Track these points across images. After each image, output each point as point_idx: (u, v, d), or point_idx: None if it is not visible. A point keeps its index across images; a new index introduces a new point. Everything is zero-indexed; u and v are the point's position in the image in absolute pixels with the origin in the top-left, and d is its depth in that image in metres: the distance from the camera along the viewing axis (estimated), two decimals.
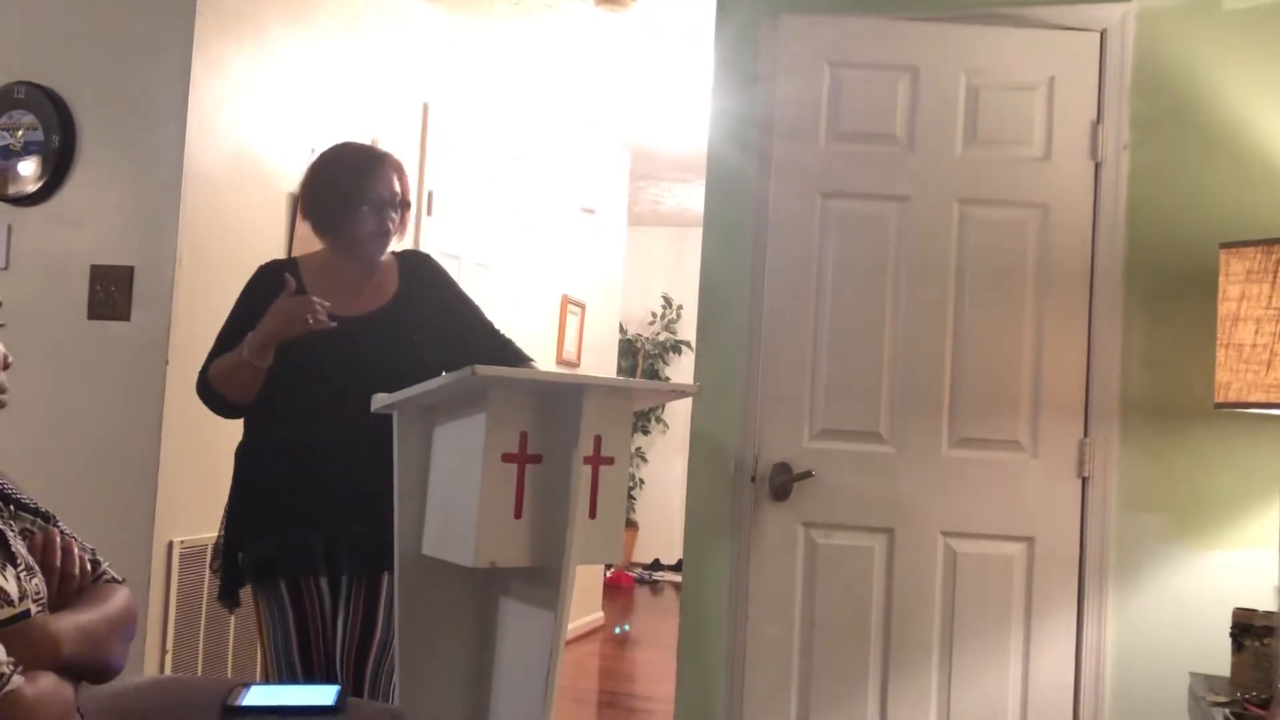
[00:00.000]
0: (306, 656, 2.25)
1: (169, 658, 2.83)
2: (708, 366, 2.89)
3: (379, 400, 2.04)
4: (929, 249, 2.69)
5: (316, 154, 3.42)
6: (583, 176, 5.97)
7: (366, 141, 3.69)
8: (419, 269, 2.49)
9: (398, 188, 2.37)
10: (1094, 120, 2.69)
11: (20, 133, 3.02)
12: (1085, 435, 2.66)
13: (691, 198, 7.37)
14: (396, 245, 2.45)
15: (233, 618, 3.10)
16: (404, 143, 3.98)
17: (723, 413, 2.84)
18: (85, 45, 3.00)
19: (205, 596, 2.97)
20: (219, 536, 2.37)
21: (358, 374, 2.16)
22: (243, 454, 2.38)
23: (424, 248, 4.00)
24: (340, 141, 2.48)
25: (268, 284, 2.30)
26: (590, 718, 4.42)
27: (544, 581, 1.93)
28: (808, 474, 2.65)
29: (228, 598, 2.36)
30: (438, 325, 2.40)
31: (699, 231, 2.96)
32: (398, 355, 2.27)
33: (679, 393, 2.56)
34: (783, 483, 2.66)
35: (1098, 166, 2.69)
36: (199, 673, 2.95)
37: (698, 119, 5.28)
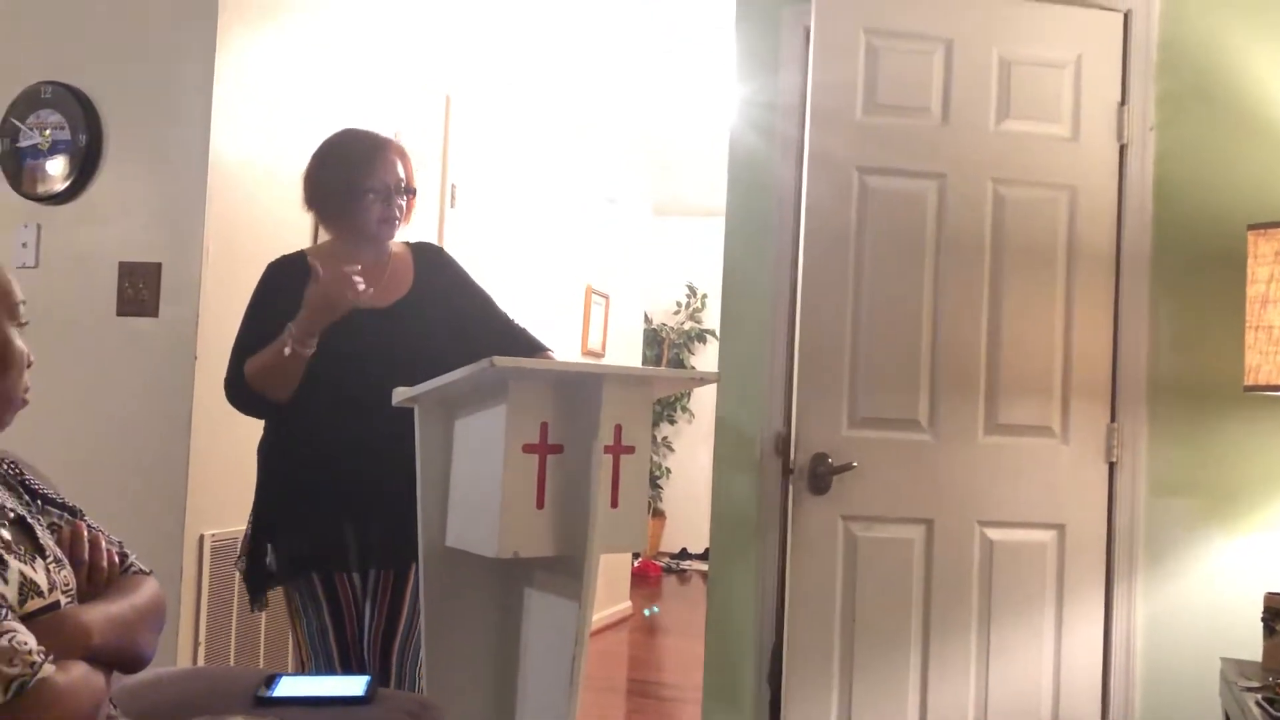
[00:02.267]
0: (344, 648, 2.25)
1: (201, 650, 2.86)
2: (732, 355, 2.89)
3: (400, 394, 2.05)
4: (964, 229, 2.63)
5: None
6: (606, 166, 5.97)
7: (390, 134, 3.74)
8: (433, 260, 2.49)
9: (402, 173, 2.35)
10: (1119, 102, 2.66)
11: (48, 132, 3.05)
12: (1113, 420, 2.63)
13: (715, 186, 7.34)
14: (404, 233, 2.44)
15: (265, 610, 3.13)
16: (427, 135, 4.00)
17: (749, 401, 2.84)
18: (110, 44, 3.03)
19: (236, 589, 3.00)
20: (245, 536, 2.35)
21: (383, 366, 2.16)
22: (268, 450, 2.37)
23: (446, 240, 4.01)
24: (341, 129, 2.43)
25: (283, 278, 2.30)
26: (619, 706, 4.43)
27: (567, 571, 1.94)
28: (850, 466, 2.58)
29: (256, 598, 2.34)
30: (455, 317, 2.40)
31: (720, 221, 2.95)
32: (422, 346, 2.26)
33: (699, 380, 2.57)
34: (823, 474, 2.58)
35: (1123, 148, 2.66)
36: (231, 664, 2.99)
37: (721, 106, 5.27)
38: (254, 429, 3.10)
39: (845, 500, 2.60)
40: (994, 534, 2.62)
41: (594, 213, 5.85)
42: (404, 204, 2.35)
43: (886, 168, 2.66)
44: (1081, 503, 2.63)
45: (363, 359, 2.23)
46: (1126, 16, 2.66)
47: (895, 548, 2.62)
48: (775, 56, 2.84)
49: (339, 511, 2.24)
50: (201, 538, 2.88)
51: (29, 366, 1.26)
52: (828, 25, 2.65)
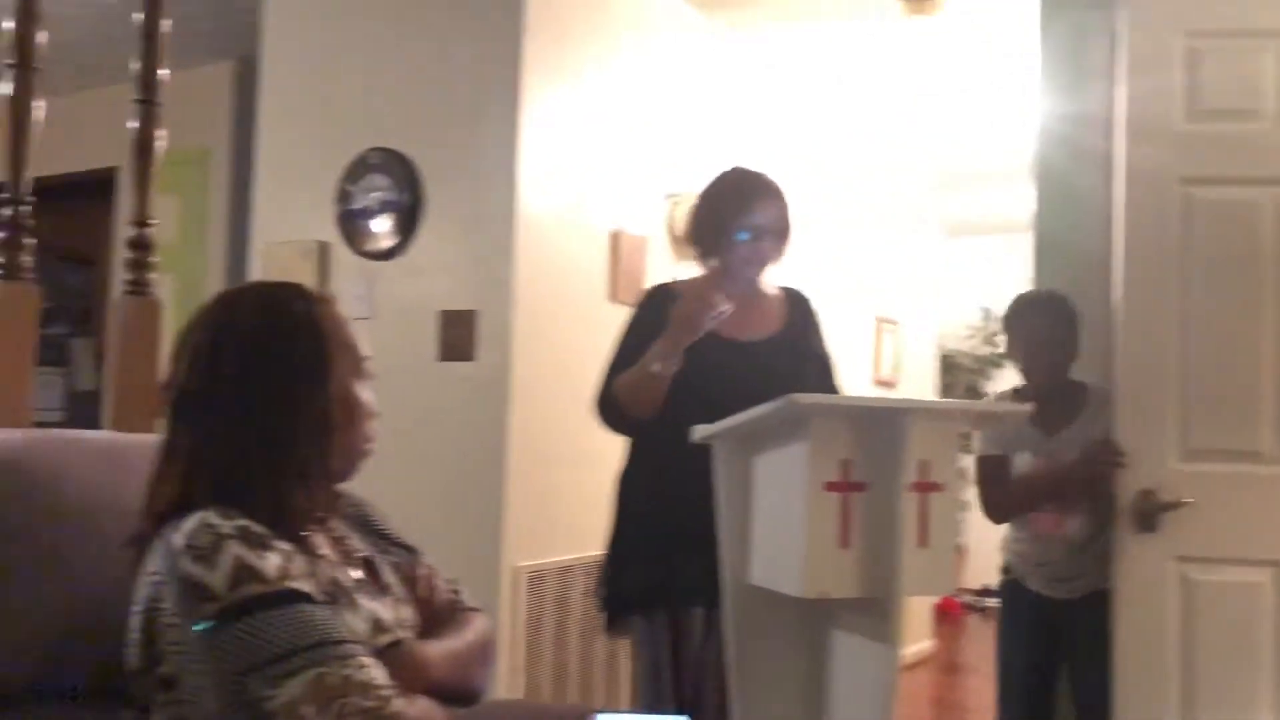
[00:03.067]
0: (679, 687, 2.27)
1: (520, 678, 3.00)
2: None
3: (699, 431, 2.07)
4: None
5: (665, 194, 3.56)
6: (894, 191, 5.84)
7: (680, 175, 3.84)
8: (803, 307, 2.53)
9: (776, 215, 2.40)
10: None
11: (376, 194, 3.35)
12: None
13: (1007, 203, 7.01)
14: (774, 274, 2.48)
15: (577, 639, 3.26)
16: (716, 173, 4.06)
17: None
18: (424, 110, 3.29)
19: (551, 619, 3.14)
20: (602, 565, 2.42)
21: (754, 398, 2.16)
22: (627, 479, 2.44)
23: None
24: (726, 170, 2.51)
25: (659, 303, 2.38)
26: None
27: (875, 612, 1.88)
28: (1183, 502, 2.36)
29: (614, 627, 2.38)
30: (818, 363, 2.46)
31: (1018, 239, 2.82)
32: (792, 382, 2.23)
33: (1010, 413, 2.44)
34: (1151, 512, 2.37)
35: None
36: (547, 693, 3.12)
37: (1014, 121, 5.03)
38: (563, 465, 3.25)
39: (1178, 539, 2.37)
40: None
41: (882, 237, 5.73)
42: (772, 245, 2.40)
43: (1215, 177, 2.42)
44: None
45: (735, 386, 2.17)
46: None
47: (1240, 593, 2.36)
48: (1083, 63, 2.68)
49: (692, 546, 2.20)
50: (516, 570, 3.03)
51: (374, 418, 1.36)
52: (1141, 31, 2.45)
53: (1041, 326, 2.59)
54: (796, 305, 2.52)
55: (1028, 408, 2.07)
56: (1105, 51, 2.64)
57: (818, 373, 2.46)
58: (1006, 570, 2.73)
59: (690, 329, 2.17)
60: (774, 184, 2.44)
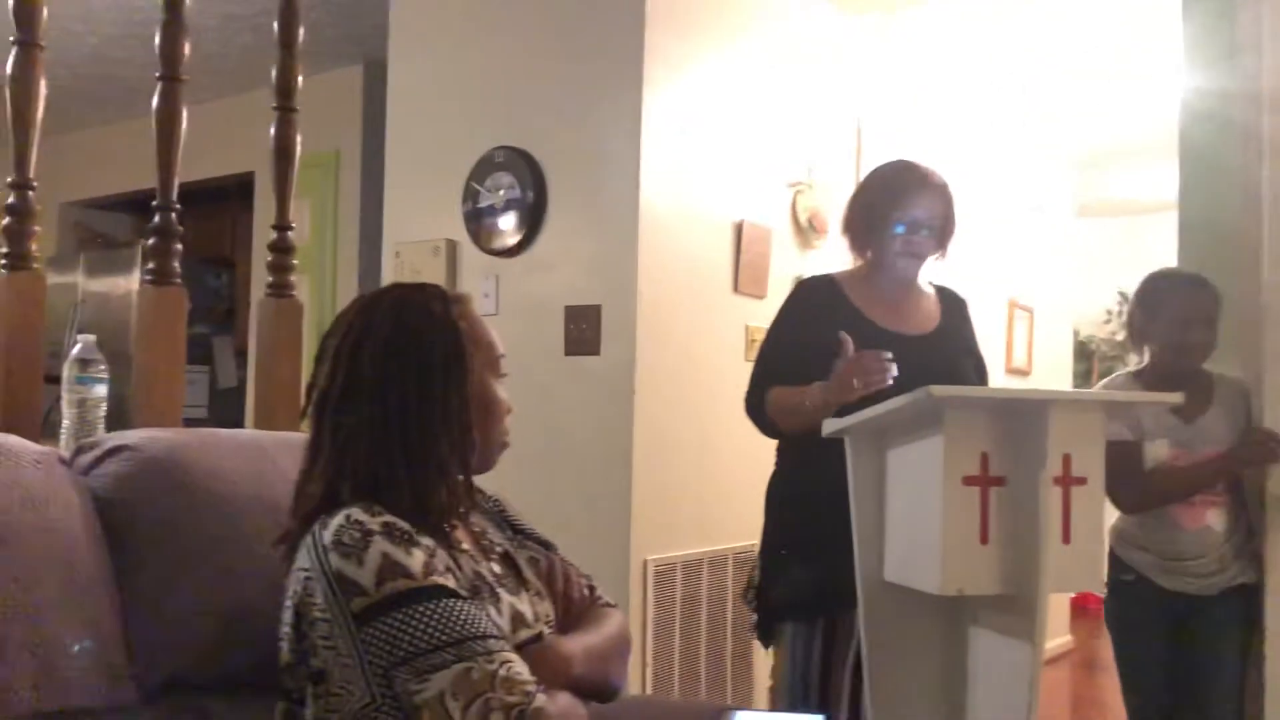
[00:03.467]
0: (825, 693, 2.24)
1: (649, 671, 3.02)
2: None
3: (830, 425, 2.04)
4: None
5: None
6: (1026, 172, 5.66)
7: (803, 164, 3.79)
8: (958, 307, 2.48)
9: (935, 210, 2.32)
10: None
11: (501, 192, 3.40)
12: None
13: (1143, 184, 6.73)
14: (934, 270, 2.43)
15: (705, 633, 3.26)
16: (839, 163, 4.00)
17: None
18: (548, 108, 3.32)
19: (678, 613, 3.15)
20: (753, 568, 2.39)
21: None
22: (781, 480, 2.40)
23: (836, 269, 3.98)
24: (891, 160, 2.43)
25: (815, 301, 2.35)
26: None
27: (1016, 610, 1.82)
28: None
29: (765, 633, 2.36)
30: (975, 359, 2.42)
31: (1155, 219, 2.70)
32: (951, 377, 2.21)
33: (1159, 402, 2.34)
34: None
35: None
36: (676, 687, 3.12)
37: (1151, 98, 4.82)
38: (687, 458, 3.25)
39: None
40: None
41: (1013, 221, 5.55)
42: (929, 241, 2.33)
43: None
44: None
45: (888, 388, 2.10)
46: None
47: None
48: (1230, 41, 2.55)
49: (849, 549, 2.08)
50: (645, 563, 3.05)
51: (509, 413, 1.39)
52: None
53: (1197, 305, 2.46)
54: (952, 303, 2.47)
55: (1178, 397, 1.98)
56: (1254, 23, 2.50)
57: (976, 370, 2.40)
58: (1126, 569, 2.58)
59: (854, 391, 2.05)
60: (938, 177, 2.34)
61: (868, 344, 2.12)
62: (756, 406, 2.32)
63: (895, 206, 2.29)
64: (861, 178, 4.06)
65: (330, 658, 1.12)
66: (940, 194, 2.32)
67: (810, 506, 2.23)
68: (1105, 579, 2.19)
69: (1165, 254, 2.83)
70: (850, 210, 2.41)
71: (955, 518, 1.79)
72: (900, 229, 2.28)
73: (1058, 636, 5.76)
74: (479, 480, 1.34)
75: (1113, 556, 2.60)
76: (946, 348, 2.35)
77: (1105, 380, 2.73)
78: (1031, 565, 1.78)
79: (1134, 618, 2.57)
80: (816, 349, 2.20)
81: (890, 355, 2.07)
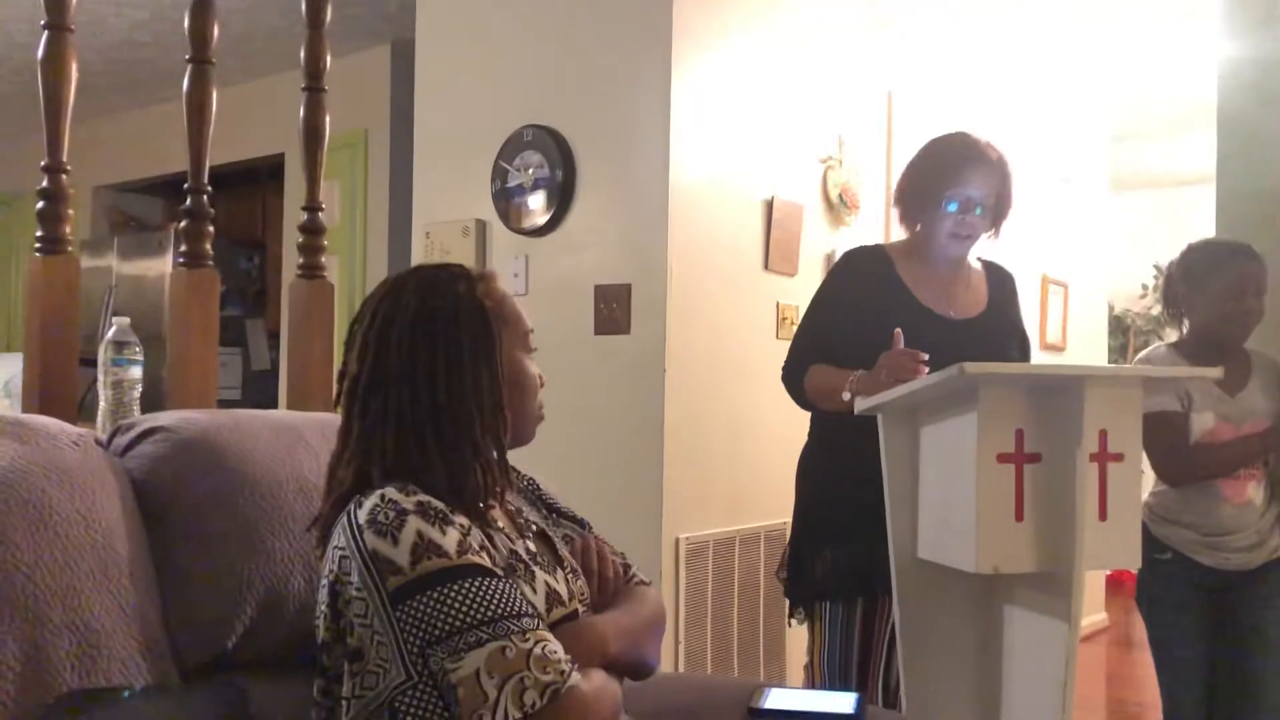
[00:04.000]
0: (864, 673, 2.23)
1: (681, 649, 3.02)
2: None
3: (861, 403, 2.02)
4: None
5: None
6: (1059, 144, 5.58)
7: (833, 138, 3.75)
8: (1006, 283, 2.45)
9: (991, 188, 2.26)
10: None
11: (530, 171, 3.39)
12: None
13: (1179, 153, 6.62)
14: (987, 250, 2.39)
15: (737, 611, 3.26)
16: (870, 134, 3.96)
17: None
18: (577, 86, 3.31)
19: (710, 590, 3.15)
20: (787, 547, 2.39)
21: None
22: (812, 459, 2.38)
23: (893, 237, 3.95)
24: (949, 132, 2.36)
25: (865, 275, 2.31)
26: None
27: (1051, 588, 1.81)
28: None
29: (800, 610, 2.34)
30: (1019, 339, 2.38)
31: (1192, 191, 2.66)
32: (997, 359, 2.17)
33: (1200, 377, 2.31)
34: None
35: None
36: (709, 664, 3.13)
37: (1188, 69, 4.74)
38: (718, 435, 3.24)
39: None
40: None
41: (1047, 194, 5.48)
42: (982, 220, 2.27)
43: None
44: None
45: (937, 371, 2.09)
46: None
47: None
48: (1267, 9, 2.49)
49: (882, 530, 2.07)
50: (677, 541, 3.05)
51: (541, 387, 1.39)
52: None
53: (1250, 274, 2.41)
54: (1001, 281, 2.43)
55: (1218, 371, 1.95)
56: None
57: (1020, 349, 2.37)
58: (1161, 547, 2.52)
59: (892, 382, 2.01)
60: (996, 154, 2.29)
61: (915, 327, 2.10)
62: (794, 380, 2.30)
63: (949, 183, 2.22)
64: (894, 151, 4.05)
65: (366, 636, 1.13)
66: (998, 170, 2.27)
67: (846, 483, 2.21)
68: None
69: (1201, 227, 2.78)
70: (903, 182, 2.34)
71: (990, 495, 1.77)
72: (953, 206, 2.22)
73: (1093, 614, 5.72)
74: (513, 459, 1.34)
75: (1146, 534, 2.56)
76: (993, 331, 2.31)
77: (1144, 352, 2.68)
78: (1068, 543, 1.76)
79: (1170, 596, 2.54)
80: (862, 325, 2.18)
81: (925, 357, 2.02)
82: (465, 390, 1.25)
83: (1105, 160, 6.20)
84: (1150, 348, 2.68)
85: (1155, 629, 2.60)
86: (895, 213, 2.37)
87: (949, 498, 1.88)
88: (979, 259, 2.42)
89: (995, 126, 4.91)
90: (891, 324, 2.14)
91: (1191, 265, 2.53)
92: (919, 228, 2.31)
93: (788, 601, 2.38)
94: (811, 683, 2.31)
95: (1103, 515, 1.81)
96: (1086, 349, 5.82)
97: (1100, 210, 6.16)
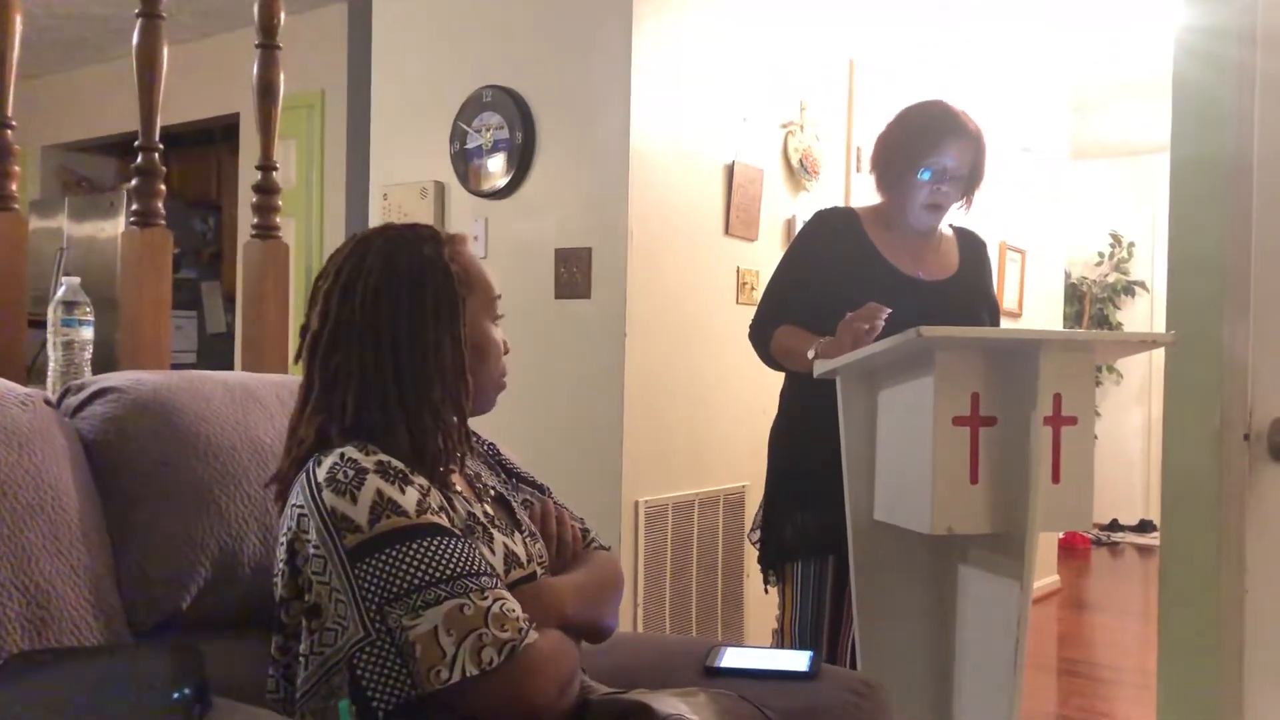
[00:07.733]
0: (835, 637, 2.25)
1: (640, 613, 3.04)
2: (1181, 311, 2.60)
3: (820, 365, 2.04)
4: None
5: (748, 122, 3.51)
6: (1019, 114, 5.61)
7: (795, 103, 3.74)
8: (977, 250, 2.45)
9: (966, 160, 2.27)
10: None
11: (489, 133, 3.36)
12: None
13: (1138, 124, 6.69)
14: (959, 219, 2.40)
15: (695, 574, 3.28)
16: (831, 100, 3.96)
17: (1202, 362, 2.54)
18: (537, 46, 3.27)
19: (669, 554, 3.17)
20: (760, 509, 2.40)
21: None
22: (786, 423, 2.38)
23: (854, 204, 3.96)
24: (926, 100, 2.36)
25: (834, 236, 2.31)
26: (1050, 686, 4.19)
27: (1005, 549, 1.85)
28: None
29: (772, 573, 2.36)
30: (989, 304, 2.39)
31: (1149, 160, 2.68)
32: (967, 324, 2.20)
33: (1149, 344, 2.34)
34: None
35: None
36: (667, 625, 3.16)
37: (1144, 38, 4.77)
38: (678, 400, 3.25)
39: None
40: None
41: (1007, 163, 5.52)
42: (954, 191, 2.28)
43: None
44: None
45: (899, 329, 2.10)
46: None
47: None
48: None
49: None
50: (636, 504, 3.06)
51: (506, 353, 1.38)
52: None
53: None
54: (972, 246, 2.44)
55: (1171, 336, 1.98)
56: None
57: (989, 314, 2.38)
58: None
59: (854, 346, 2.02)
60: (971, 124, 2.29)
61: (884, 287, 2.12)
62: (761, 338, 2.31)
63: (926, 153, 2.23)
64: (855, 117, 4.05)
65: (324, 593, 1.12)
66: (973, 142, 2.28)
67: (818, 450, 2.20)
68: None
69: (1158, 196, 2.81)
70: (877, 149, 2.34)
71: (945, 457, 1.80)
72: (926, 175, 2.23)
73: (1045, 576, 5.83)
74: (473, 423, 1.34)
75: None
76: (963, 294, 2.32)
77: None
78: (1021, 505, 1.79)
79: None
80: (831, 282, 2.19)
81: (887, 311, 2.03)
82: (427, 353, 1.24)
83: (1066, 129, 6.24)
84: None
85: None
86: (871, 180, 2.37)
87: (905, 460, 1.90)
88: (951, 225, 2.43)
89: (956, 95, 4.94)
90: (860, 281, 2.16)
91: None
92: (892, 195, 2.31)
93: (760, 567, 2.39)
94: (780, 645, 2.33)
95: (1056, 478, 1.84)
96: (1044, 315, 5.89)
97: (1059, 179, 6.22)
